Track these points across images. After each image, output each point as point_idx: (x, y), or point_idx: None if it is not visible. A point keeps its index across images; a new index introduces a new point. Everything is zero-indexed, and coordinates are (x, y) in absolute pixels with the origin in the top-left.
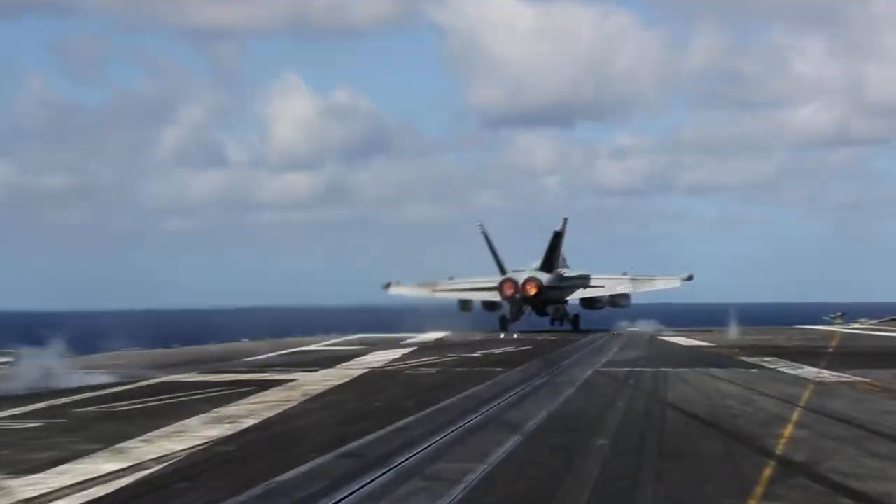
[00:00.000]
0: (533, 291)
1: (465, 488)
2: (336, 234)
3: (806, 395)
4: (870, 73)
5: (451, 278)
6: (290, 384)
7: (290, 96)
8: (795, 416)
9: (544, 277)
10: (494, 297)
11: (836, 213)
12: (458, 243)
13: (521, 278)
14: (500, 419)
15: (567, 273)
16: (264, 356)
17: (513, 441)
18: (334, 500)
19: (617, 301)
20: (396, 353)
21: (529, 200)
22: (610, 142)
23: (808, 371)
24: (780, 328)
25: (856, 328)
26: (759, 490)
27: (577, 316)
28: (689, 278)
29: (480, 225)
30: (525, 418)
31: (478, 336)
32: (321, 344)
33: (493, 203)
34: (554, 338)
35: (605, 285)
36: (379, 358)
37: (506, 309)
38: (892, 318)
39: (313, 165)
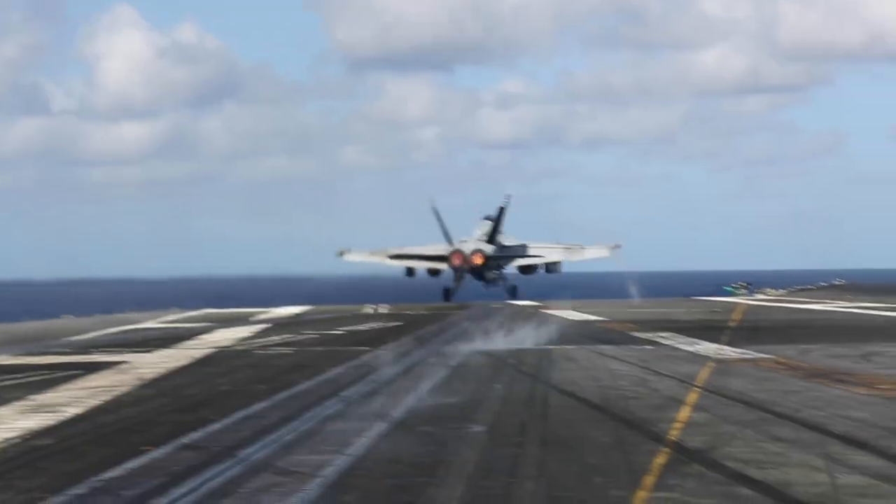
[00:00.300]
0: (479, 262)
1: (321, 484)
2: (178, 193)
3: (704, 374)
4: (785, 12)
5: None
6: (120, 367)
7: (122, 32)
8: (692, 397)
9: (489, 248)
10: (441, 265)
11: (745, 170)
12: (323, 203)
13: (468, 249)
14: (364, 405)
15: (507, 243)
16: (91, 335)
17: (377, 430)
18: (171, 499)
19: (552, 269)
20: (245, 331)
21: (401, 156)
22: (494, 88)
23: (707, 347)
24: (679, 300)
25: (761, 300)
26: (650, 480)
27: (514, 286)
28: (617, 247)
29: (432, 201)
30: (391, 404)
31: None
32: (158, 321)
33: (359, 159)
34: (428, 312)
35: (541, 254)
36: (225, 336)
37: (449, 277)
38: (801, 287)
39: (151, 113)
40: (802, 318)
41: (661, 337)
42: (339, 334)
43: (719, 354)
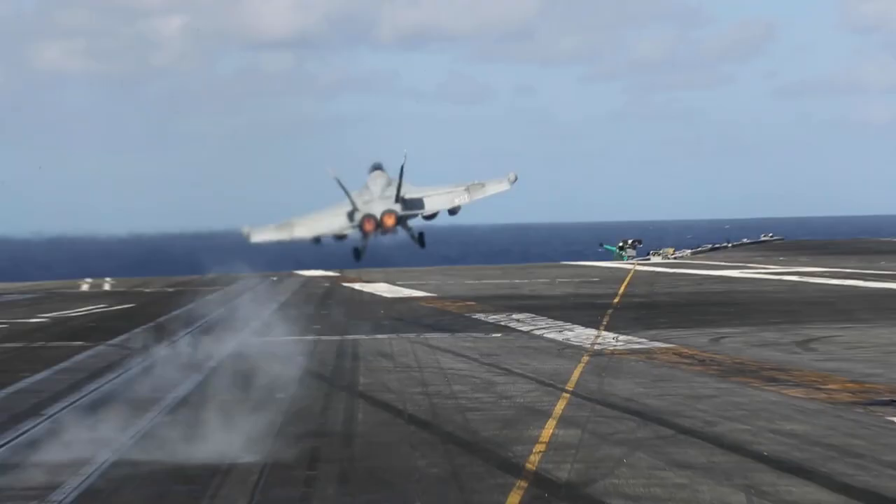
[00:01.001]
0: (391, 223)
1: None
2: None
3: (576, 372)
4: None
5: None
6: None
7: None
8: (560, 407)
9: (398, 208)
10: (349, 230)
11: (632, 78)
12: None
13: (377, 212)
14: (77, 424)
15: (408, 195)
16: None
17: (94, 460)
18: None
19: (453, 211)
20: None
21: (131, 60)
22: None
23: (580, 334)
24: (540, 265)
25: (656, 264)
26: None
27: (421, 233)
28: (515, 179)
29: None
30: (111, 426)
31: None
32: None
33: (72, 62)
34: (172, 289)
35: (443, 200)
36: None
37: (358, 239)
38: (713, 246)
39: None
40: (715, 291)
41: (515, 320)
42: (43, 322)
43: (598, 344)
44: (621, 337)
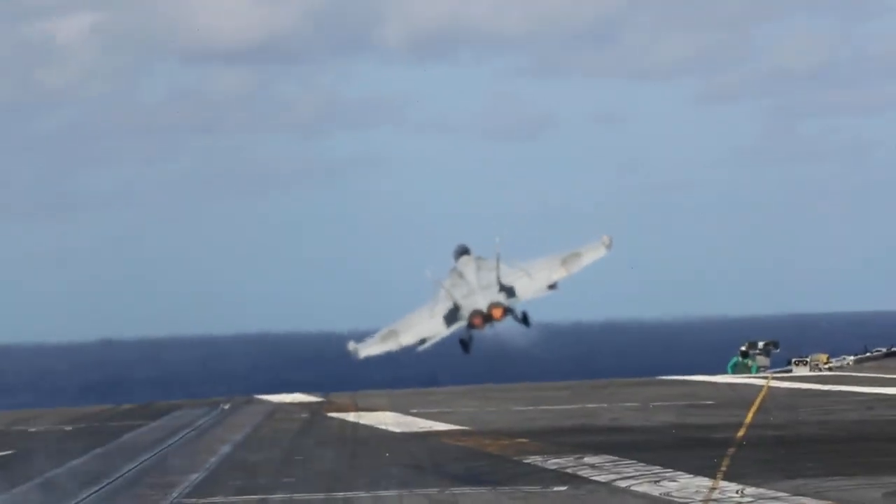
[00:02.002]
0: (499, 315)
1: None
2: None
3: None
4: None
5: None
6: None
7: None
8: None
9: (503, 298)
10: (450, 331)
11: (767, 101)
12: None
13: (484, 306)
14: None
15: (507, 280)
16: None
17: None
18: None
19: (553, 287)
20: None
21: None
22: None
23: (686, 486)
24: (625, 382)
25: (800, 377)
26: None
27: (525, 312)
28: (611, 243)
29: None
30: None
31: None
32: None
33: None
34: (71, 427)
35: (541, 277)
36: None
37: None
38: (892, 349)
39: None
40: (894, 419)
41: (589, 466)
42: None
43: (713, 501)
44: (749, 490)
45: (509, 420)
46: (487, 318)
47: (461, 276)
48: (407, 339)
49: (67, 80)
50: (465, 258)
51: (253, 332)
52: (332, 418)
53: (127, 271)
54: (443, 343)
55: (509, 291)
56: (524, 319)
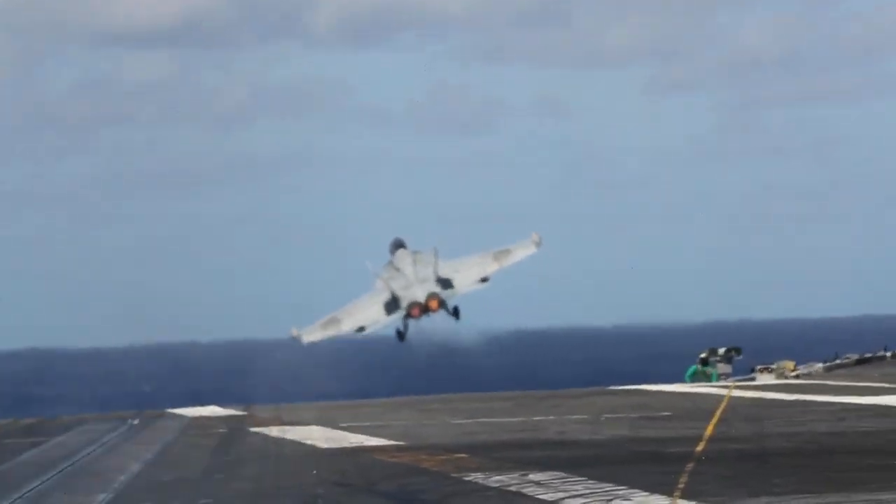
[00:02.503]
0: (435, 306)
1: None
2: None
3: None
4: None
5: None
6: None
7: None
8: None
9: (439, 290)
10: (389, 319)
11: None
12: None
13: (422, 298)
14: None
15: (443, 274)
16: None
17: None
18: None
19: (485, 280)
20: None
21: None
22: None
23: None
24: (573, 393)
25: (764, 385)
26: None
27: (456, 307)
28: (540, 241)
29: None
30: None
31: None
32: None
33: None
34: None
35: (474, 272)
36: None
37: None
38: (863, 356)
39: None
40: (866, 431)
41: (534, 483)
42: None
43: None
44: None
45: (448, 434)
46: (424, 308)
47: (398, 269)
48: (348, 325)
49: None
50: (401, 252)
51: (151, 343)
52: (253, 433)
53: (19, 277)
54: (377, 347)
55: (445, 283)
56: (455, 313)
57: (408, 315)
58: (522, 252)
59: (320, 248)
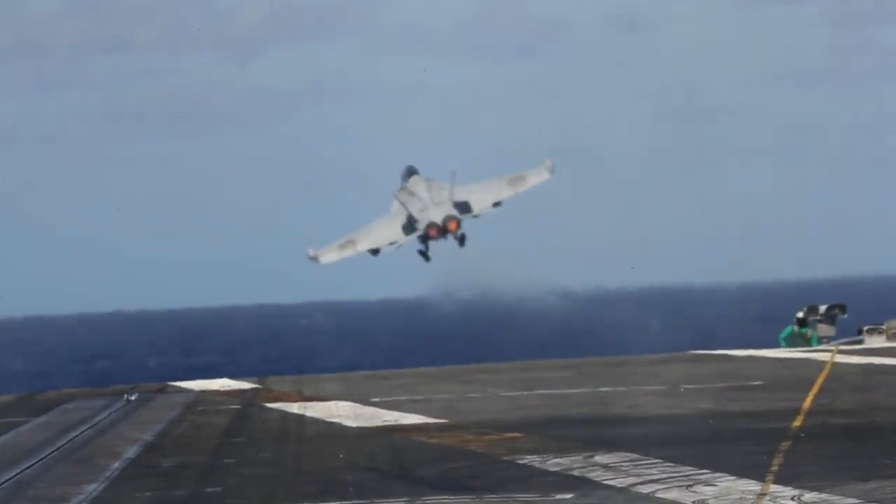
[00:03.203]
0: (454, 227)
1: None
2: None
3: None
4: None
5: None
6: None
7: None
8: None
9: (456, 213)
10: (406, 239)
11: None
12: None
13: (439, 219)
14: None
15: (459, 198)
16: None
17: None
18: None
19: (498, 204)
20: None
21: None
22: None
23: (727, 491)
24: (646, 359)
25: (873, 349)
26: None
27: (463, 234)
28: (553, 168)
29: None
30: None
31: None
32: None
33: None
34: None
35: (490, 196)
36: None
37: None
38: None
39: None
40: None
41: (601, 467)
42: None
43: None
44: (808, 496)
45: (497, 409)
46: (442, 230)
47: (412, 193)
48: (364, 245)
49: None
50: (415, 178)
51: (152, 309)
52: (270, 410)
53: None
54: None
55: (462, 207)
56: (461, 240)
57: (426, 237)
58: (536, 178)
59: (351, 193)
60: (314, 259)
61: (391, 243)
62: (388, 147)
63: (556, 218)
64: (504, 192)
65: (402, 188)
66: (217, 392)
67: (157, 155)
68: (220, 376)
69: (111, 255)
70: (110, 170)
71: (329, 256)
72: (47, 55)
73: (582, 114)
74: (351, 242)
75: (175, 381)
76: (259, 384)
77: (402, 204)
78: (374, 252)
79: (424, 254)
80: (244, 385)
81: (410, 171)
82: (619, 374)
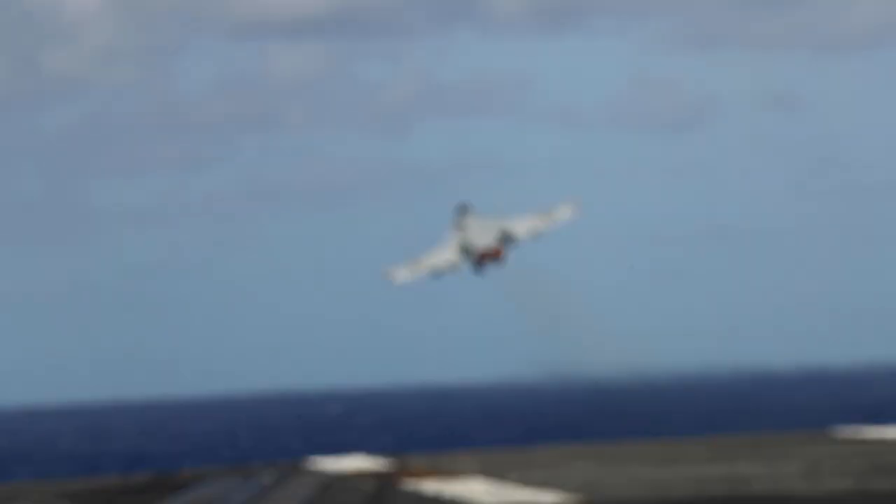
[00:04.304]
0: (499, 255)
1: None
2: None
3: None
4: None
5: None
6: None
7: None
8: None
9: (499, 244)
10: (460, 262)
11: None
12: None
13: (488, 246)
14: None
15: (504, 229)
16: None
17: None
18: None
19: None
20: None
21: None
22: None
23: None
24: (783, 438)
25: None
26: None
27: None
28: (578, 203)
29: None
30: None
31: None
32: None
33: None
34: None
35: (521, 227)
36: None
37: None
38: None
39: None
40: None
41: None
42: None
43: None
44: None
45: (635, 487)
46: (490, 255)
47: (466, 226)
48: (427, 265)
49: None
50: (467, 214)
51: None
52: (406, 490)
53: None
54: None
55: (507, 238)
56: (499, 260)
57: (478, 262)
58: (562, 214)
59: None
60: (390, 277)
61: (450, 265)
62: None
63: (714, 295)
64: (538, 226)
65: (457, 222)
66: (351, 470)
67: (294, 230)
68: (354, 452)
69: (251, 334)
70: (254, 245)
71: (401, 276)
72: (195, 131)
73: (731, 191)
74: (416, 263)
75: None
76: (395, 462)
77: (456, 235)
78: (436, 274)
79: (477, 269)
80: (379, 463)
81: (463, 209)
82: (756, 453)
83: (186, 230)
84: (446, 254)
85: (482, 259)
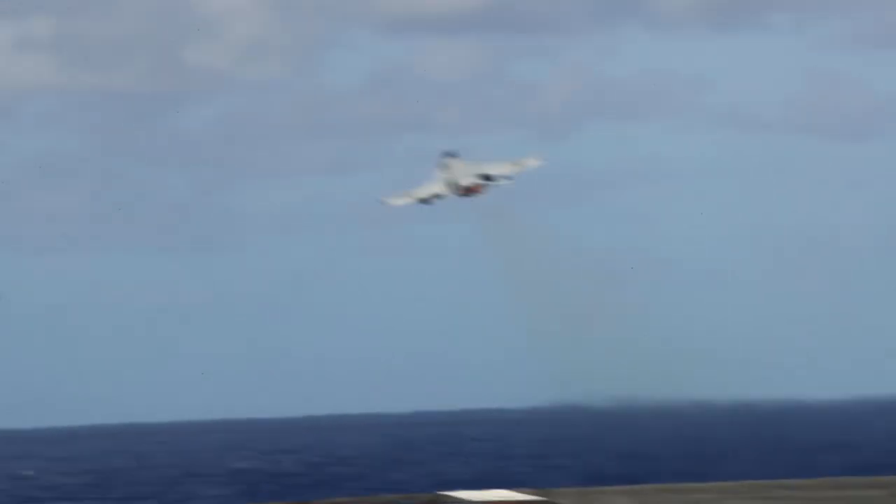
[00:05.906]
0: (479, 189)
1: None
2: None
3: None
4: None
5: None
6: None
7: None
8: None
9: (480, 180)
10: (446, 193)
11: None
12: None
13: (468, 183)
14: None
15: (484, 171)
16: None
17: None
18: None
19: (509, 178)
20: None
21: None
22: None
23: None
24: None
25: None
26: None
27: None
28: (540, 161)
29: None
30: None
31: None
32: None
33: None
34: None
35: (498, 170)
36: None
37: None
38: None
39: None
40: None
41: None
42: None
43: None
44: None
45: None
46: (469, 190)
47: (450, 167)
48: (417, 195)
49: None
50: (451, 158)
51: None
52: None
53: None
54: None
55: (485, 178)
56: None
57: (462, 195)
58: (529, 163)
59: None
60: (385, 203)
61: (437, 196)
62: (692, 228)
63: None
64: (509, 170)
65: (442, 164)
66: (492, 503)
67: (442, 234)
68: (496, 487)
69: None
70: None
71: (395, 202)
72: (342, 133)
73: None
74: (408, 194)
75: (442, 490)
76: (540, 495)
77: (443, 173)
78: (424, 201)
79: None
80: (525, 497)
81: (449, 153)
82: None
83: (332, 236)
84: (434, 188)
85: (466, 193)
